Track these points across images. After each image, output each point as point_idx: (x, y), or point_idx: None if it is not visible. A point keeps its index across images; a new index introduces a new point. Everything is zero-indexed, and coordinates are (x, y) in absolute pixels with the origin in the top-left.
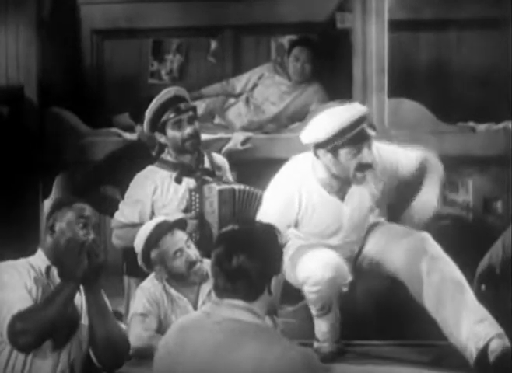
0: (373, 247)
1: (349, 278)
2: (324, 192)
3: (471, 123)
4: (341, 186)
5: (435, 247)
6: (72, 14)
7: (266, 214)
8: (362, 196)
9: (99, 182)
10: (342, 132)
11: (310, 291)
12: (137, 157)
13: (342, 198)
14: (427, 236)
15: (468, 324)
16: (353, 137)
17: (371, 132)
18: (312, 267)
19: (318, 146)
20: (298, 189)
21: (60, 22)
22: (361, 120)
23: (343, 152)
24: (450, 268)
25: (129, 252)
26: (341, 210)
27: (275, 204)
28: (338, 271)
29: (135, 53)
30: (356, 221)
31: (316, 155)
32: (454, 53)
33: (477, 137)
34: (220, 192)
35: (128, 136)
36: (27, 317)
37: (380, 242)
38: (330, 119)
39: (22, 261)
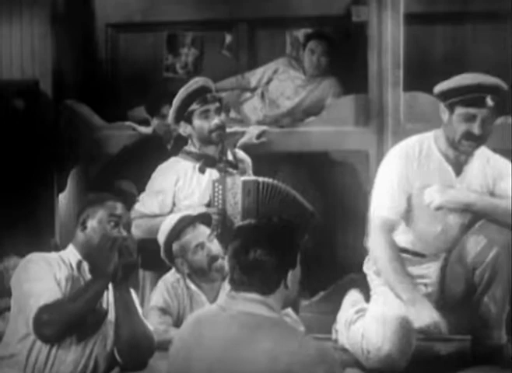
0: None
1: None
2: (442, 159)
3: None
4: (456, 156)
5: None
6: (87, 8)
7: (388, 175)
8: (476, 178)
9: (114, 176)
10: (464, 89)
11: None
12: (152, 151)
13: (458, 174)
14: None
15: None
16: (471, 99)
17: (490, 103)
18: (373, 337)
19: (441, 98)
20: (425, 156)
21: (74, 16)
22: (488, 88)
23: (457, 112)
24: None
25: (144, 244)
26: (454, 185)
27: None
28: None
29: (149, 46)
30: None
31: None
32: (470, 46)
33: (493, 130)
34: (244, 183)
35: (143, 130)
36: (53, 309)
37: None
38: (463, 76)
39: (53, 255)
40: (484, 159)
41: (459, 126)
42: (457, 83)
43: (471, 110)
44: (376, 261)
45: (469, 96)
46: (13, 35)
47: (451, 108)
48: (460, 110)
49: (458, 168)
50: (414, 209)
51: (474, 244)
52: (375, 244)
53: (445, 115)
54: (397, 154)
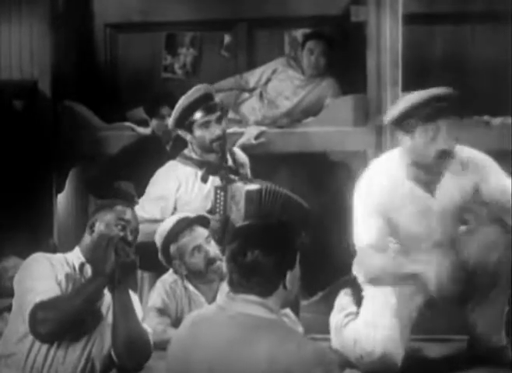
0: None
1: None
2: (413, 185)
3: (485, 117)
4: (428, 177)
5: None
6: (86, 8)
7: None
8: (453, 190)
9: (113, 176)
10: (415, 107)
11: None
12: (151, 151)
13: (432, 193)
14: None
15: None
16: (428, 113)
17: (448, 110)
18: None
19: (396, 127)
20: (393, 184)
21: (73, 16)
22: (439, 97)
23: (419, 132)
24: None
25: (142, 245)
26: (430, 205)
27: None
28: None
29: (148, 46)
30: (448, 220)
31: (399, 142)
32: (469, 46)
33: (492, 130)
34: (248, 192)
35: (142, 130)
36: (50, 306)
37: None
38: (406, 97)
39: (58, 255)
40: (458, 167)
41: (427, 148)
42: (410, 101)
43: (435, 126)
44: (378, 279)
45: (426, 110)
46: (12, 35)
47: (410, 131)
48: (421, 129)
49: (431, 188)
50: (399, 228)
51: (475, 247)
52: (368, 267)
53: (404, 141)
54: (364, 191)
